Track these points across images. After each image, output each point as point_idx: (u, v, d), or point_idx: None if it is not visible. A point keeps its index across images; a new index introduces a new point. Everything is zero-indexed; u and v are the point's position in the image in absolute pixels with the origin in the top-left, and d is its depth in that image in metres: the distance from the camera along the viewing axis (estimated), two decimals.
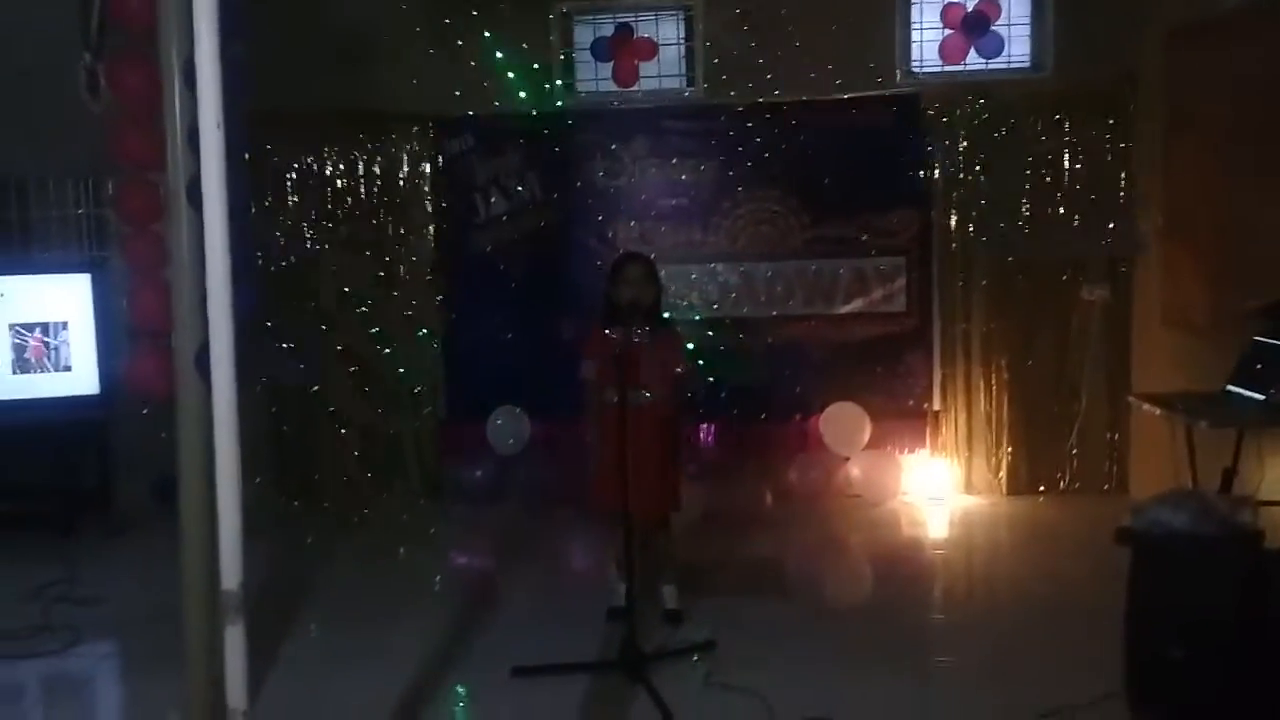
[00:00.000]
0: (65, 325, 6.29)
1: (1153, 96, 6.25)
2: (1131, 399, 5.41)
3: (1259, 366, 4.25)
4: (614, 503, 4.20)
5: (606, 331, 4.37)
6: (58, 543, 6.07)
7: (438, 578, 5.74)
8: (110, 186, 6.15)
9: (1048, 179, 6.58)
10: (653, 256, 4.96)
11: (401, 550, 6.17)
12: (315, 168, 6.94)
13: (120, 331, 5.51)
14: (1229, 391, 4.34)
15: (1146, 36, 6.25)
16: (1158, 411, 4.55)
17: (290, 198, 6.93)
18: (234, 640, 2.36)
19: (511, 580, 5.53)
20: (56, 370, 6.28)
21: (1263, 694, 3.29)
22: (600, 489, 4.50)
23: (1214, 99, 5.34)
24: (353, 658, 4.43)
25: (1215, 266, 5.35)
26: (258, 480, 6.75)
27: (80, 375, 6.28)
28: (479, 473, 6.85)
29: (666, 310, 5.05)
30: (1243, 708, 3.34)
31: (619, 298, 4.48)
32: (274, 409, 7.01)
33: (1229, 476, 4.32)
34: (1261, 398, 4.12)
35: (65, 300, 6.29)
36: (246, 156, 6.37)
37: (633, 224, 6.85)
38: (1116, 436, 6.67)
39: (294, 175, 6.92)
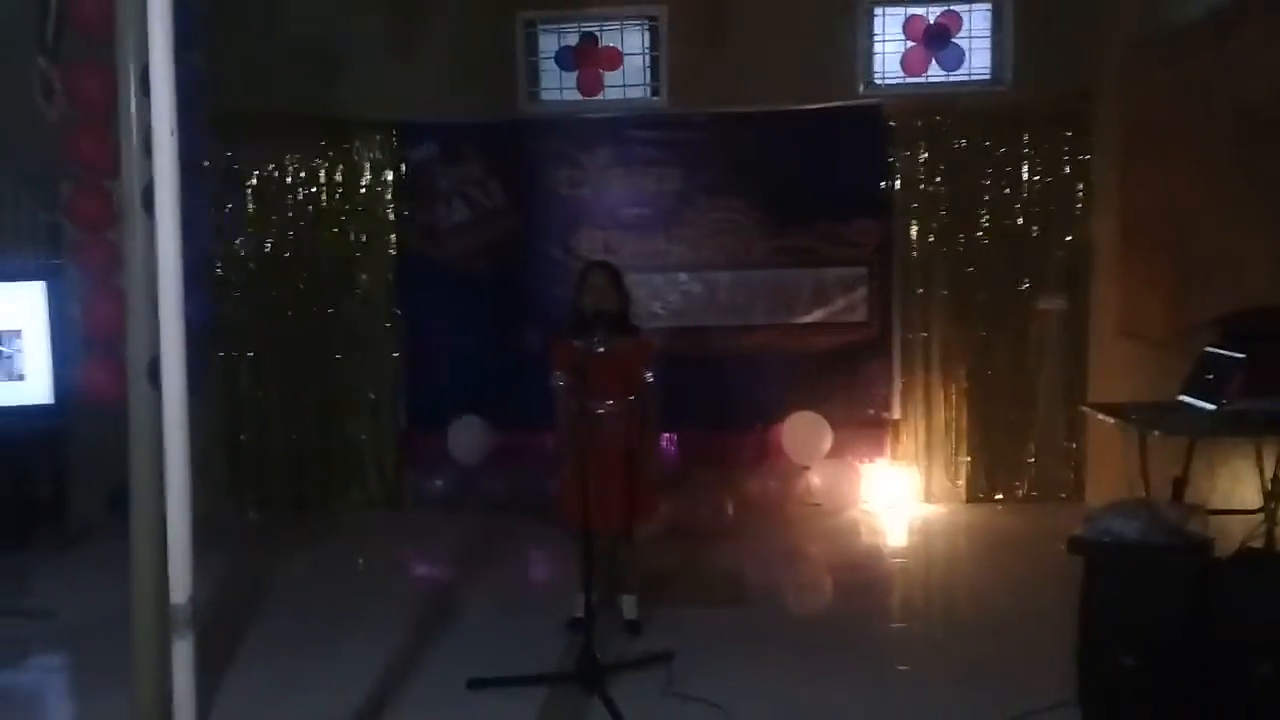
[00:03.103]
0: (19, 334, 6.15)
1: (1110, 110, 6.34)
2: (1085, 408, 5.47)
3: (1210, 377, 4.29)
4: (575, 514, 4.19)
5: (571, 341, 4.37)
6: (10, 554, 5.95)
7: (396, 588, 5.69)
8: (65, 192, 6.04)
9: (1006, 190, 6.66)
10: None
11: (360, 560, 6.12)
12: (276, 174, 6.89)
13: (75, 340, 5.42)
14: (1181, 401, 4.38)
15: (1105, 51, 6.34)
16: (1111, 421, 4.59)
17: (250, 204, 6.88)
18: (182, 655, 2.33)
19: (471, 590, 5.49)
20: (10, 380, 6.13)
21: (1211, 701, 3.33)
22: (565, 500, 4.49)
23: (1171, 112, 5.41)
24: (308, 670, 4.39)
25: (1171, 278, 5.41)
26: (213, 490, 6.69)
27: (34, 384, 6.15)
28: (439, 482, 6.81)
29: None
30: (1192, 714, 3.38)
31: (583, 306, 4.49)
32: (230, 417, 6.95)
33: (1180, 485, 4.37)
34: (1212, 408, 4.16)
35: (19, 308, 6.15)
36: (206, 164, 6.33)
37: (596, 233, 6.85)
38: (1074, 445, 6.75)
39: (255, 182, 6.87)
